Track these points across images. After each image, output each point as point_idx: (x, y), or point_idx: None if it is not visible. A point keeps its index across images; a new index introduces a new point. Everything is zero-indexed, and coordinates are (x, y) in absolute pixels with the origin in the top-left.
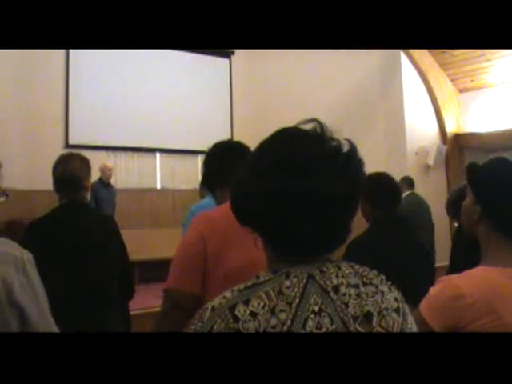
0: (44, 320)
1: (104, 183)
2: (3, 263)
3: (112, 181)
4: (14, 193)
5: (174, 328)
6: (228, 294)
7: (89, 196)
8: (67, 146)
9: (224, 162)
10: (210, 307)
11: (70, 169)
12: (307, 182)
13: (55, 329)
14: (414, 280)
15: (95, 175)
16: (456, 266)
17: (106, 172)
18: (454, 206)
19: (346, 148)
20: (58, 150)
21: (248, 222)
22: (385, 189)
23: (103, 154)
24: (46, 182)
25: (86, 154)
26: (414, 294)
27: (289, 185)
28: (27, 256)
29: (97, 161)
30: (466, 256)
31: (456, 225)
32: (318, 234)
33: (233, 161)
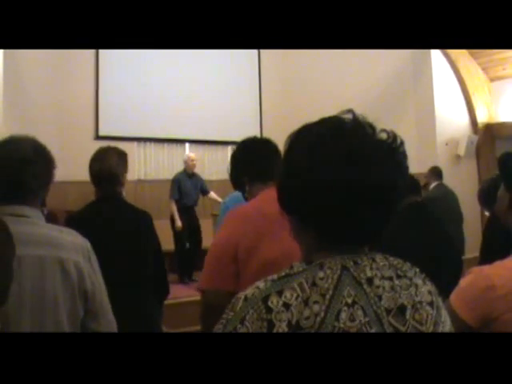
0: (103, 308)
1: (188, 174)
2: (74, 251)
3: (141, 172)
4: None
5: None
6: (261, 284)
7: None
8: (97, 137)
9: (250, 159)
10: (242, 297)
11: (107, 166)
12: (370, 171)
13: (111, 313)
14: (438, 267)
15: (180, 167)
16: (487, 257)
17: (189, 163)
18: (485, 196)
19: (391, 139)
20: (89, 142)
21: (296, 210)
22: None
23: (133, 144)
24: (77, 173)
25: (115, 145)
26: (439, 281)
27: (354, 173)
28: (88, 244)
29: (127, 152)
30: (497, 246)
31: (487, 213)
32: (367, 222)
33: (259, 157)
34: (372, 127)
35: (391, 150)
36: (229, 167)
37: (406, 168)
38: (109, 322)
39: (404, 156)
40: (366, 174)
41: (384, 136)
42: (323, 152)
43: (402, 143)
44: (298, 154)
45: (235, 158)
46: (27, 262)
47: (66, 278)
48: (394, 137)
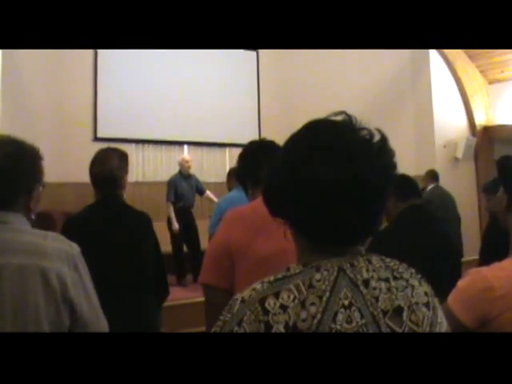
0: (94, 315)
1: (184, 176)
2: (58, 260)
3: (140, 173)
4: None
5: (214, 321)
6: (258, 285)
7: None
8: (96, 139)
9: (257, 162)
10: (239, 299)
11: (107, 169)
12: (345, 170)
13: (104, 323)
14: (438, 269)
15: (175, 169)
16: (487, 259)
17: (184, 165)
18: (490, 183)
19: (377, 137)
20: (87, 144)
21: (282, 211)
22: (404, 181)
23: (132, 146)
24: (76, 175)
25: (114, 146)
26: (438, 283)
27: (327, 172)
28: (76, 250)
29: None
30: (496, 248)
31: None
32: (354, 222)
33: (266, 161)
34: (356, 127)
35: (376, 149)
36: (236, 164)
37: (394, 166)
38: (98, 329)
39: (391, 154)
40: (345, 174)
41: (366, 134)
42: (300, 152)
43: (385, 141)
44: (280, 157)
45: (241, 161)
46: (8, 270)
47: (48, 288)
48: (378, 135)
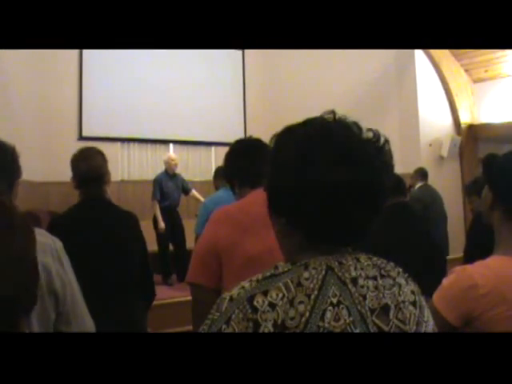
0: (77, 310)
1: (169, 175)
2: (41, 252)
3: (125, 172)
4: (28, 184)
5: (202, 320)
6: (246, 284)
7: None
8: (81, 138)
9: (244, 161)
10: (227, 297)
11: (94, 166)
12: (359, 171)
13: (90, 321)
14: (423, 267)
15: (161, 168)
16: (471, 257)
17: (170, 163)
18: (476, 184)
19: (376, 138)
20: (72, 143)
21: (284, 209)
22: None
23: (117, 145)
24: (60, 174)
25: (99, 145)
26: (423, 281)
27: (340, 173)
28: (59, 244)
29: (110, 152)
30: (481, 246)
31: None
32: (357, 223)
33: (250, 164)
34: (358, 127)
35: (377, 150)
36: (223, 163)
37: (392, 167)
38: (83, 325)
39: (390, 155)
40: (354, 174)
41: (370, 135)
42: (311, 152)
43: (387, 142)
44: (286, 155)
45: (227, 161)
46: None
47: None
48: (379, 136)
